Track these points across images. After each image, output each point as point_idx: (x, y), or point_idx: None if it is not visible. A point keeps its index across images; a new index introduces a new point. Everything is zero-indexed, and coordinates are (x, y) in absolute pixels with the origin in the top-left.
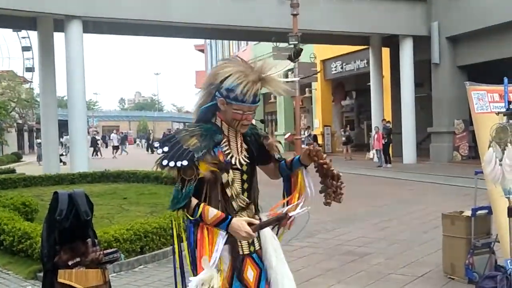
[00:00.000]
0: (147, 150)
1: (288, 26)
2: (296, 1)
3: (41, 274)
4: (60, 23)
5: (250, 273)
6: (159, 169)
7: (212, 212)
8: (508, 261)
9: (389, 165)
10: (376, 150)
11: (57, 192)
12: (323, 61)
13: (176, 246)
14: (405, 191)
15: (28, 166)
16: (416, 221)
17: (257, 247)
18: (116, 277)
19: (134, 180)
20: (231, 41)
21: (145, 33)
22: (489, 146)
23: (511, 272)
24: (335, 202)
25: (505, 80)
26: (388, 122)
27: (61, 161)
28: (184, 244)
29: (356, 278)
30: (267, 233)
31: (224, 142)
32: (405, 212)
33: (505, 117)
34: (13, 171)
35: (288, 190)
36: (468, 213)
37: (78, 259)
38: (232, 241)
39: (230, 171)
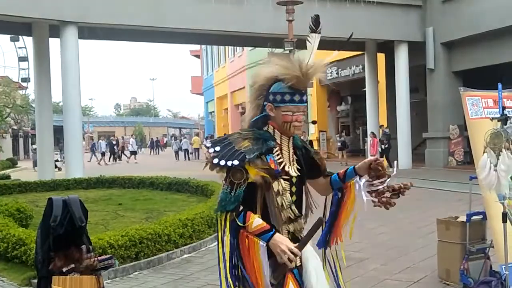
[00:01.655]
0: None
1: (283, 31)
2: (291, 7)
3: (36, 280)
4: (55, 28)
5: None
6: (209, 169)
7: (258, 221)
8: (503, 267)
9: (391, 169)
10: (371, 156)
11: (51, 198)
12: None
13: (220, 249)
14: (400, 196)
15: (23, 172)
16: (412, 227)
17: (298, 263)
18: (111, 284)
19: (129, 185)
20: (226, 47)
21: (140, 38)
22: (484, 152)
23: (505, 278)
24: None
25: (499, 85)
26: (387, 127)
27: (56, 167)
28: (226, 247)
29: (352, 283)
30: (309, 251)
31: (277, 151)
32: (400, 217)
33: (499, 123)
34: (8, 177)
35: (337, 203)
36: (463, 218)
37: (72, 266)
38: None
39: (281, 180)
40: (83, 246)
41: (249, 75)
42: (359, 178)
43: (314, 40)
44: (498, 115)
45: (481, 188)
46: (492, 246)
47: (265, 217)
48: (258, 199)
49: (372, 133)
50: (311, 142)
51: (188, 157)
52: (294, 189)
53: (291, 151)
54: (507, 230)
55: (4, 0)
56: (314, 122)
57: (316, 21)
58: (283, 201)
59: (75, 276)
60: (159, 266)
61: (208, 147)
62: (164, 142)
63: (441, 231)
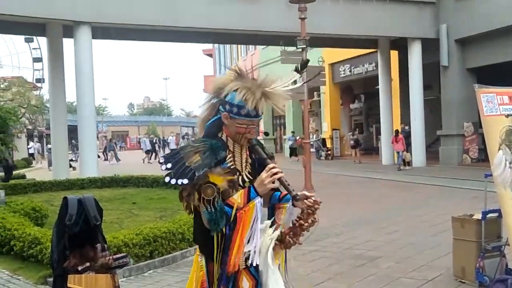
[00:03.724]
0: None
1: (296, 30)
2: (304, 5)
3: (51, 279)
4: (69, 29)
5: (245, 283)
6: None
7: (237, 196)
8: None
9: (407, 167)
10: (398, 152)
11: (66, 197)
12: (332, 65)
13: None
14: (414, 194)
15: (38, 172)
16: (426, 224)
17: (255, 264)
18: (125, 282)
19: (144, 185)
20: (239, 45)
21: (153, 38)
22: (499, 149)
23: None
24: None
25: None
26: (407, 125)
27: (70, 166)
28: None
29: (365, 282)
30: (270, 260)
31: (229, 158)
32: (414, 215)
33: None
34: (23, 176)
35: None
36: (478, 216)
37: (87, 264)
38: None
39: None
40: (98, 245)
41: (261, 74)
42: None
43: (292, 77)
44: None
45: (496, 185)
46: (508, 244)
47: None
48: None
49: (397, 130)
50: (324, 140)
51: None
52: None
53: (245, 156)
54: None
55: (18, 1)
56: (266, 134)
57: (305, 63)
58: None
59: (90, 274)
60: (173, 265)
61: (160, 163)
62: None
63: (456, 229)
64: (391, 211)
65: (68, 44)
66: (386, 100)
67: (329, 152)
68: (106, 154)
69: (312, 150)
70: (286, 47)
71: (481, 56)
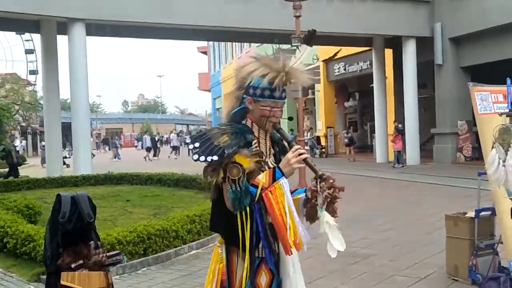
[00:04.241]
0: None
1: (290, 27)
2: (298, 3)
3: (44, 276)
4: (63, 25)
5: (262, 278)
6: (207, 177)
7: (262, 176)
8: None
9: (401, 165)
10: (397, 151)
11: (60, 194)
12: (326, 63)
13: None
14: (408, 192)
15: (31, 169)
16: (419, 222)
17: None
18: (119, 280)
19: (137, 182)
20: (234, 43)
21: (148, 35)
22: (493, 147)
23: None
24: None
25: (508, 80)
26: (400, 123)
27: (64, 163)
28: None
29: (359, 279)
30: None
31: (255, 143)
32: (408, 213)
33: (508, 118)
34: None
35: None
36: (471, 214)
37: (81, 262)
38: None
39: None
40: (92, 242)
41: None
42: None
43: (303, 50)
44: (507, 110)
45: (490, 183)
46: (500, 242)
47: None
48: None
49: (396, 128)
50: (318, 138)
51: (177, 153)
52: None
53: (268, 144)
54: None
55: None
56: (291, 119)
57: (312, 35)
58: None
59: (84, 272)
60: (167, 262)
61: (187, 143)
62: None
63: (450, 227)
64: (385, 209)
65: (62, 41)
66: (381, 98)
67: (323, 150)
68: (107, 150)
69: (307, 147)
70: (280, 45)
71: (475, 54)
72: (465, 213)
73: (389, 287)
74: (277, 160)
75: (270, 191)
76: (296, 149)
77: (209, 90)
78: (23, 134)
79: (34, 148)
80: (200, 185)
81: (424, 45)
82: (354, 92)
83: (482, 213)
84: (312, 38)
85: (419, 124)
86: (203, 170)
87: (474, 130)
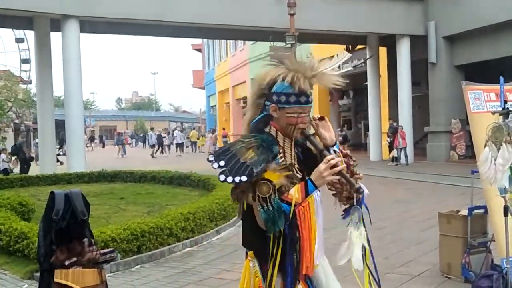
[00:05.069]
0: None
1: (285, 25)
2: (293, 1)
3: (38, 274)
4: (57, 22)
5: None
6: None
7: (294, 190)
8: (504, 260)
9: (395, 163)
10: (400, 148)
11: (53, 191)
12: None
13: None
14: (401, 190)
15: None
16: (413, 220)
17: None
18: (113, 277)
19: (131, 180)
20: (228, 41)
21: (142, 32)
22: (485, 146)
23: (507, 271)
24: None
25: (501, 79)
26: (395, 121)
27: (58, 160)
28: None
29: (352, 277)
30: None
31: (281, 155)
32: (401, 211)
33: (501, 117)
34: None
35: None
36: (464, 212)
37: (74, 259)
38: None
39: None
40: (85, 240)
41: (251, 69)
42: None
43: (342, 56)
44: (500, 109)
45: (482, 182)
46: (493, 239)
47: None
48: None
49: (401, 126)
50: (345, 137)
51: (182, 150)
52: None
53: (293, 152)
54: (508, 223)
55: None
56: (321, 119)
57: (356, 44)
58: None
59: (77, 269)
60: (161, 260)
61: (211, 161)
62: (129, 141)
63: (443, 225)
64: (379, 207)
65: (56, 37)
66: (375, 96)
67: None
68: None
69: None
70: (275, 43)
71: (469, 53)
72: (458, 211)
73: (383, 285)
74: (302, 165)
75: (303, 206)
76: (329, 160)
77: (203, 88)
78: (17, 131)
79: (28, 145)
80: (194, 183)
81: (418, 43)
82: (348, 90)
83: (475, 211)
84: (355, 47)
85: (413, 123)
86: (231, 191)
87: (468, 129)
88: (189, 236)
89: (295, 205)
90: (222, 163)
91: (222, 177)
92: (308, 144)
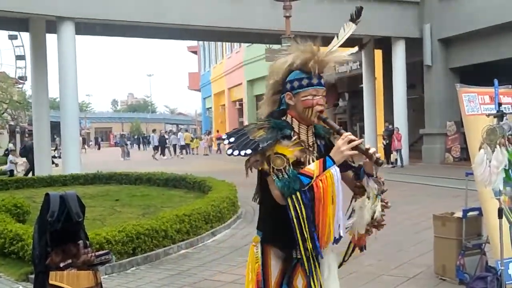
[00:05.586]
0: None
1: (281, 28)
2: (288, 3)
3: (33, 276)
4: (52, 24)
5: (299, 281)
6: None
7: (313, 165)
8: (499, 262)
9: (390, 165)
10: (396, 150)
11: (48, 193)
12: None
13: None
14: (397, 192)
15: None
16: (408, 222)
17: (338, 236)
18: (108, 279)
19: (127, 181)
20: (224, 43)
21: (138, 34)
22: (480, 148)
23: (501, 273)
24: None
25: (495, 82)
26: (391, 124)
27: (53, 162)
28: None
29: (347, 279)
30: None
31: (295, 138)
32: (396, 213)
33: (495, 119)
34: (4, 173)
35: None
36: (459, 214)
37: (69, 261)
38: (289, 245)
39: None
40: (80, 242)
41: (247, 72)
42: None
43: (348, 29)
44: (494, 112)
45: (477, 184)
46: (488, 241)
47: None
48: None
49: (397, 128)
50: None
51: (175, 152)
52: None
53: (311, 140)
54: (502, 226)
55: None
56: (336, 105)
57: (358, 12)
58: None
59: (72, 271)
60: (156, 262)
61: (223, 139)
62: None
63: (437, 227)
64: None
65: (51, 39)
66: (370, 98)
67: None
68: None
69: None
70: (271, 45)
71: (464, 56)
72: (453, 213)
73: (378, 287)
74: (323, 156)
75: (321, 180)
76: (346, 136)
77: (199, 90)
78: (12, 133)
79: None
80: (189, 185)
81: (413, 46)
82: (343, 92)
83: (470, 213)
84: (359, 15)
85: (408, 125)
86: (245, 164)
87: (463, 131)
88: (184, 238)
89: (311, 182)
90: (232, 139)
91: (229, 151)
92: (325, 126)
